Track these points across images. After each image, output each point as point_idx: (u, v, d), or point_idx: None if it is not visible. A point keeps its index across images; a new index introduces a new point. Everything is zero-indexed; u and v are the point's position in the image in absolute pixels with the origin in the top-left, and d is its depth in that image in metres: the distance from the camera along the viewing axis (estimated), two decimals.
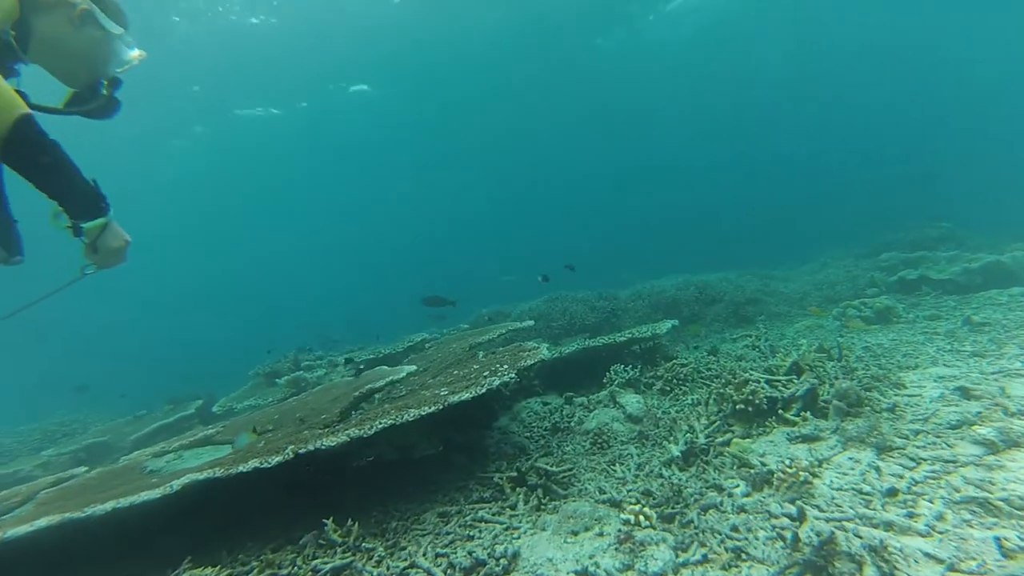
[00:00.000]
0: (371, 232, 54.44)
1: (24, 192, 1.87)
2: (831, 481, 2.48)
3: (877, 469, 2.50)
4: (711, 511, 2.49)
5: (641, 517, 2.35)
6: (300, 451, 2.68)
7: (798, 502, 2.30)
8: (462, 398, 3.04)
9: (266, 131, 23.53)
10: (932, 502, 2.14)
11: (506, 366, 3.53)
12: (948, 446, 2.58)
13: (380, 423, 2.78)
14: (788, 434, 3.09)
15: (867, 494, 2.31)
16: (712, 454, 3.16)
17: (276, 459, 2.61)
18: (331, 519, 2.66)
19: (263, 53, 17.05)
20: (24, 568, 2.49)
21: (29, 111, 1.68)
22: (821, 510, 2.26)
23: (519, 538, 2.50)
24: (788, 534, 2.06)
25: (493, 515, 2.81)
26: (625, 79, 25.02)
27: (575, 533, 2.40)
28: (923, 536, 1.95)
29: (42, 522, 2.35)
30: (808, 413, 3.21)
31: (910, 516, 2.08)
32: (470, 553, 2.22)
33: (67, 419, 6.88)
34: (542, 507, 2.86)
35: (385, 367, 4.31)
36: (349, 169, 33.54)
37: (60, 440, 5.99)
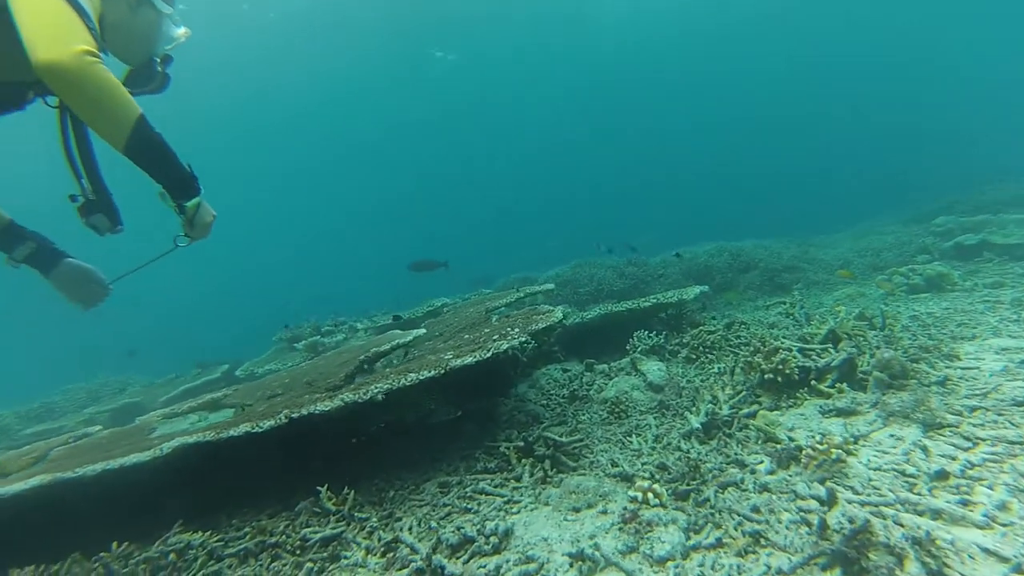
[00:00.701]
0: (412, 204, 54.60)
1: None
2: (868, 460, 2.16)
3: (924, 448, 2.17)
4: (730, 489, 2.22)
5: (650, 495, 2.11)
6: (293, 415, 2.53)
7: (828, 482, 2.01)
8: (465, 362, 2.84)
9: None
10: (992, 488, 1.81)
11: (517, 329, 3.30)
12: (1013, 425, 2.22)
13: (377, 387, 2.61)
14: (821, 407, 2.76)
15: (911, 476, 2.00)
16: (736, 427, 2.87)
17: (268, 423, 2.47)
18: (326, 487, 2.52)
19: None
20: (23, 526, 2.45)
21: (142, 111, 1.83)
22: (856, 492, 1.96)
23: (518, 512, 2.30)
24: (815, 519, 1.78)
25: (495, 487, 2.61)
26: (653, 35, 23.67)
27: (577, 510, 2.18)
28: (980, 528, 1.64)
29: (35, 480, 2.29)
30: (845, 385, 2.87)
31: (964, 504, 1.76)
32: (459, 528, 2.03)
33: (110, 380, 7.10)
34: (548, 480, 2.65)
35: (397, 331, 4.15)
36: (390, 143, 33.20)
37: (103, 399, 6.18)
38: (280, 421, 2.50)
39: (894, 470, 2.06)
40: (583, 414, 3.64)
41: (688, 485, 2.30)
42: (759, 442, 2.61)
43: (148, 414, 3.60)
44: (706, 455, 2.64)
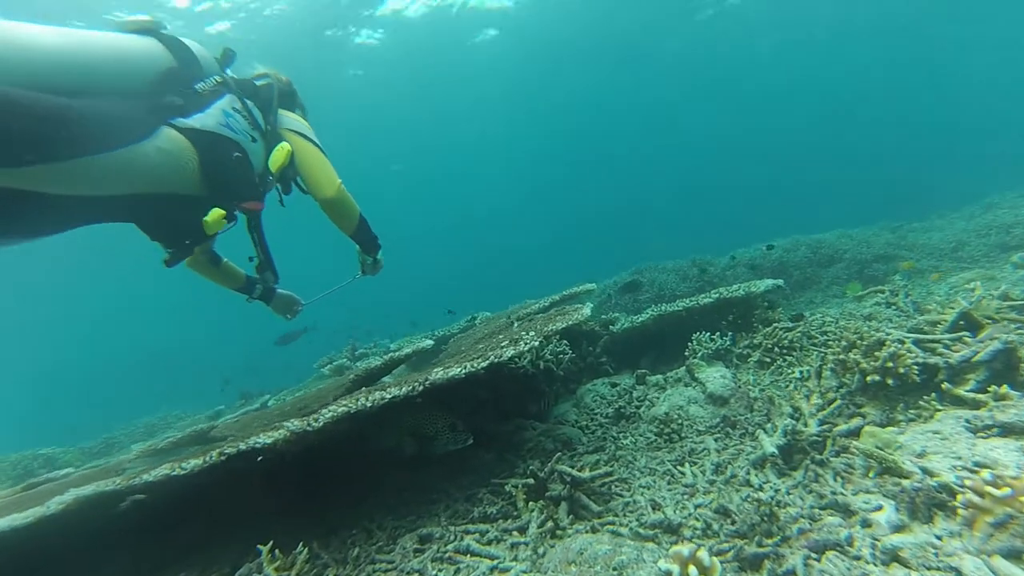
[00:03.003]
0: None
1: None
2: None
3: None
4: (830, 556, 1.34)
5: (692, 568, 1.26)
6: (228, 452, 1.93)
7: None
8: (451, 375, 2.13)
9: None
10: None
11: (532, 333, 2.55)
12: None
13: (329, 413, 1.95)
14: (968, 421, 1.75)
15: None
16: (830, 450, 1.94)
17: (193, 463, 1.88)
18: (269, 545, 1.87)
19: None
20: None
21: (360, 209, 2.62)
22: None
23: None
24: None
25: (486, 543, 1.86)
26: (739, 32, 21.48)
27: None
28: None
29: None
30: (1006, 387, 1.84)
31: None
32: None
33: (169, 414, 7.03)
34: (559, 532, 1.87)
35: (405, 347, 3.52)
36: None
37: (157, 433, 6.04)
38: (211, 460, 1.90)
39: None
40: (627, 437, 2.83)
41: (761, 546, 1.44)
42: (871, 474, 1.67)
43: (132, 451, 3.20)
44: (788, 494, 1.75)
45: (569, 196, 55.15)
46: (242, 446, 1.93)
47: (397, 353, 2.86)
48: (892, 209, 11.55)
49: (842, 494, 1.61)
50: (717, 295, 4.01)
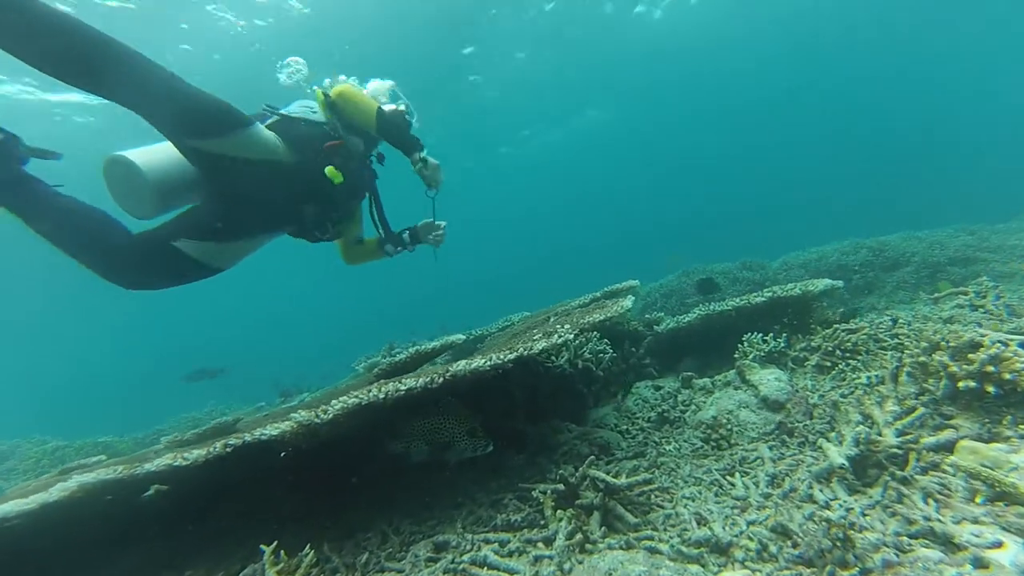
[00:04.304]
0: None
1: None
2: None
3: None
4: None
5: None
6: (232, 443, 1.78)
7: None
8: (474, 366, 1.92)
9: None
10: None
11: (567, 326, 2.32)
12: None
13: (339, 404, 1.77)
14: None
15: None
16: (915, 467, 1.59)
17: (197, 453, 1.74)
18: (272, 546, 1.69)
19: None
20: None
21: (379, 105, 2.72)
22: None
23: None
24: None
25: (505, 556, 1.62)
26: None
27: None
28: None
29: None
30: None
31: None
32: None
33: (215, 409, 7.15)
34: (589, 546, 1.61)
35: (435, 343, 3.34)
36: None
37: (202, 426, 6.08)
38: (215, 452, 1.76)
39: None
40: (670, 443, 2.53)
41: None
42: (978, 499, 1.32)
43: (162, 442, 3.14)
44: (863, 515, 1.42)
45: (615, 201, 53.91)
46: (248, 438, 1.79)
47: (423, 347, 2.66)
48: (968, 208, 10.39)
49: (939, 520, 1.27)
50: (770, 294, 3.61)
